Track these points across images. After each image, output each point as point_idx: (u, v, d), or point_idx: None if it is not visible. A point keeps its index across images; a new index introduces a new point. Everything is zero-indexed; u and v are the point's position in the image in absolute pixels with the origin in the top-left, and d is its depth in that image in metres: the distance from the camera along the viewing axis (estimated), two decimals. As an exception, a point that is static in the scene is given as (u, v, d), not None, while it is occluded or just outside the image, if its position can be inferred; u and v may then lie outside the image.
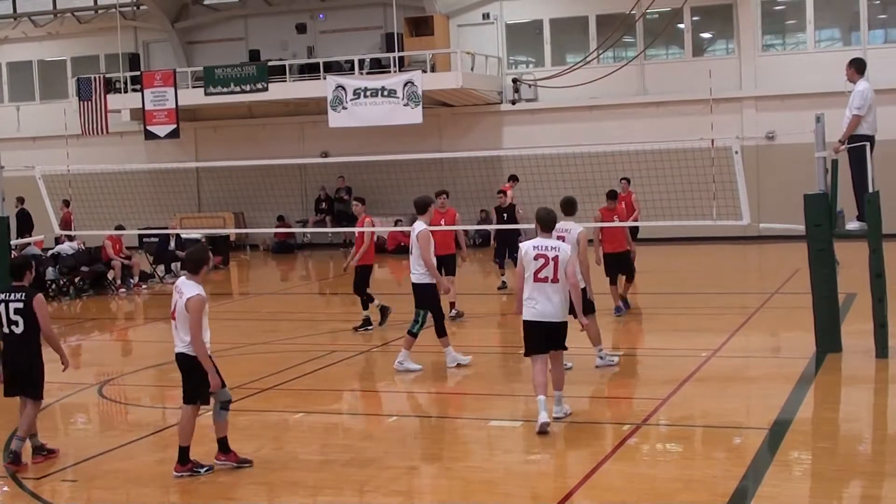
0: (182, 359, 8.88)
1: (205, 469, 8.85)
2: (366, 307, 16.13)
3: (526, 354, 10.16)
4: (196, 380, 8.83)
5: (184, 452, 8.86)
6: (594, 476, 8.51)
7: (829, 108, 15.05)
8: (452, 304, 16.47)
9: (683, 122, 26.66)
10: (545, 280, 9.90)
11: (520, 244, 10.28)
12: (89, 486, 8.87)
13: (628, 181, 20.63)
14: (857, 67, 13.07)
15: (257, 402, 11.48)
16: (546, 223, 10.15)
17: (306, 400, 11.84)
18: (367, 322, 16.06)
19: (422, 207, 13.11)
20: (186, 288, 8.78)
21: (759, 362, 13.32)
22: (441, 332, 13.04)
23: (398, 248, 29.20)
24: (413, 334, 12.87)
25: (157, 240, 25.13)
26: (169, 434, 10.51)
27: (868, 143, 12.75)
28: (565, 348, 10.21)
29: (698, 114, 25.70)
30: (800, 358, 12.57)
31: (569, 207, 12.34)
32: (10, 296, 9.44)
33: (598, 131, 27.83)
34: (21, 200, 26.23)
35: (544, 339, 9.99)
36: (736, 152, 14.02)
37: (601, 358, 12.55)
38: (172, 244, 24.54)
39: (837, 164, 12.80)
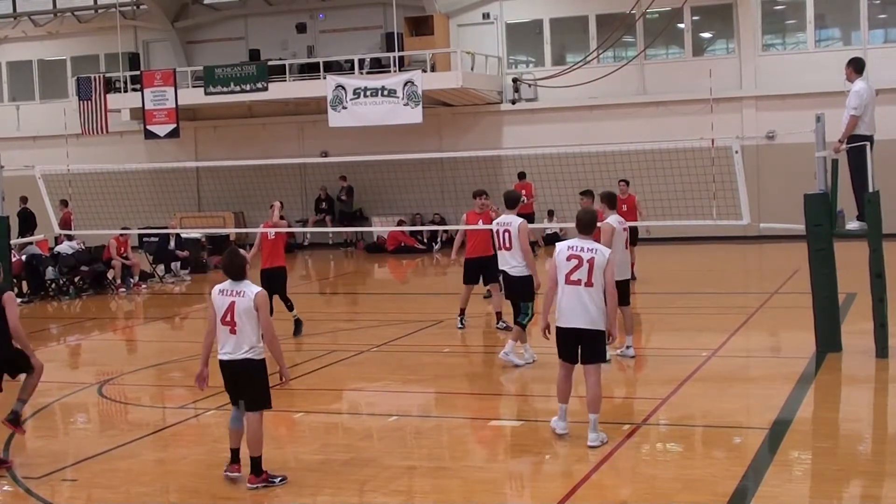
0: (246, 365, 8.48)
1: (279, 479, 8.54)
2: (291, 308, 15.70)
3: (559, 359, 9.66)
4: (262, 385, 8.57)
5: (257, 463, 8.53)
6: (594, 476, 8.51)
7: (829, 107, 15.03)
8: (499, 315, 15.37)
9: (683, 122, 26.68)
10: (578, 283, 9.22)
11: (556, 244, 9.74)
12: (89, 485, 8.86)
13: (627, 183, 20.57)
14: (856, 67, 13.05)
15: (257, 402, 11.47)
16: (584, 224, 9.51)
17: (306, 400, 11.83)
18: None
19: (513, 202, 13.60)
20: (245, 287, 8.53)
21: (759, 362, 13.33)
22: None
23: (398, 248, 29.23)
24: (522, 325, 12.90)
25: (156, 239, 25.15)
26: (169, 434, 10.53)
27: (868, 143, 12.74)
28: (604, 360, 9.61)
29: (698, 114, 25.72)
30: (800, 358, 12.57)
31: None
32: None
33: (598, 131, 27.84)
34: (24, 200, 26.22)
35: (575, 347, 9.36)
36: (736, 152, 14.03)
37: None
38: (172, 244, 24.55)
39: (837, 164, 12.81)
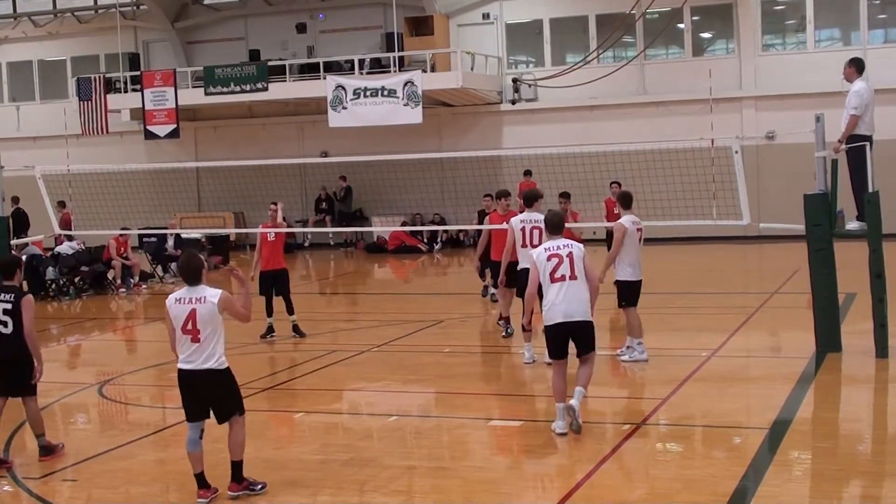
0: (213, 376, 8.14)
1: (260, 486, 8.33)
2: (270, 313, 15.50)
3: (550, 359, 9.94)
4: (232, 394, 8.31)
5: (239, 468, 8.32)
6: (594, 476, 8.51)
7: (829, 108, 15.03)
8: (507, 319, 14.91)
9: (683, 122, 26.68)
10: (563, 279, 9.59)
11: (533, 250, 10.06)
12: (89, 485, 8.87)
13: (619, 185, 20.45)
14: (857, 67, 13.04)
15: (257, 402, 11.46)
16: (552, 226, 10.02)
17: (306, 400, 11.84)
18: (271, 329, 15.48)
19: (531, 201, 13.36)
20: (203, 292, 8.14)
21: (759, 362, 13.33)
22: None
23: (400, 248, 29.23)
24: None
25: (156, 240, 25.14)
26: (169, 434, 10.52)
27: (868, 143, 12.74)
28: (594, 350, 9.79)
29: (698, 114, 25.73)
30: (800, 358, 12.57)
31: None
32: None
33: (598, 131, 27.84)
34: (16, 200, 26.18)
35: (566, 341, 9.65)
36: (736, 152, 14.04)
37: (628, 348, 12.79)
38: (171, 244, 24.52)
39: (837, 164, 12.81)
